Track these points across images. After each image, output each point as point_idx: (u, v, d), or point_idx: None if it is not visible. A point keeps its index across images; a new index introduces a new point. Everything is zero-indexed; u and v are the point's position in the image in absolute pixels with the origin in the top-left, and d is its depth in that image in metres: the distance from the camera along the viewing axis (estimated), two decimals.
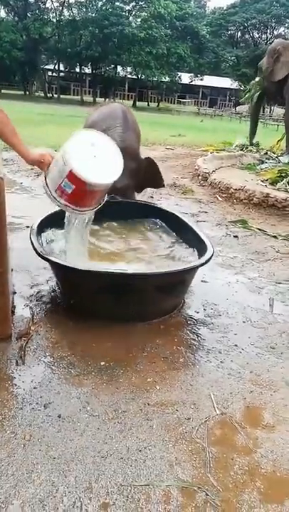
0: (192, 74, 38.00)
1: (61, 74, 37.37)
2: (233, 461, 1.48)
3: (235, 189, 5.18)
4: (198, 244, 2.56)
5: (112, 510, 1.26)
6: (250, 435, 1.60)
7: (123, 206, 2.97)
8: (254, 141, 8.40)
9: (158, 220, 3.08)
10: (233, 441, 1.57)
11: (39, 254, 2.19)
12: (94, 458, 1.43)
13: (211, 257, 2.33)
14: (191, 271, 2.37)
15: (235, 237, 3.95)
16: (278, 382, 1.92)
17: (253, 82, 8.85)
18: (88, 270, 2.11)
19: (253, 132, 8.45)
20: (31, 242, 2.29)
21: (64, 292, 2.44)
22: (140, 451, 1.48)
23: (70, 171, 1.91)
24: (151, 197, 5.20)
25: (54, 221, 2.70)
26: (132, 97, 37.73)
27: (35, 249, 2.22)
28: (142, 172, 3.09)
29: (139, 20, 31.65)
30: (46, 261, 2.21)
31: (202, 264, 2.29)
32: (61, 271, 2.30)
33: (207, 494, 1.33)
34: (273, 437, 1.60)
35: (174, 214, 3.11)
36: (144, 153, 3.57)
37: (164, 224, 3.03)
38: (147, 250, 2.68)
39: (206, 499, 1.32)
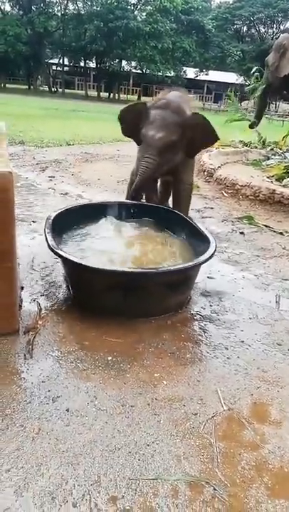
0: (197, 69, 37.81)
1: (66, 68, 37.24)
2: (240, 456, 1.49)
3: (241, 185, 5.16)
4: (200, 240, 2.57)
5: (121, 503, 1.27)
6: (258, 431, 1.61)
7: (123, 208, 2.98)
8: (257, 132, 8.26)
9: (158, 217, 3.04)
10: (241, 437, 1.57)
11: (52, 249, 2.20)
12: (102, 452, 1.44)
13: (214, 253, 2.34)
14: (196, 267, 2.38)
15: (242, 233, 3.94)
16: (285, 378, 1.92)
17: (255, 75, 8.76)
18: (98, 268, 2.12)
19: (257, 119, 8.30)
20: (45, 236, 2.30)
21: (73, 288, 2.45)
22: (148, 445, 1.49)
23: None
24: None
25: (68, 216, 2.73)
26: (136, 92, 37.56)
27: (48, 244, 2.23)
28: (190, 130, 2.74)
29: (144, 14, 31.44)
30: (58, 256, 2.22)
31: (206, 261, 2.30)
32: (72, 267, 2.31)
33: (215, 489, 1.34)
34: (280, 433, 1.60)
35: (172, 211, 3.11)
36: None
37: (164, 221, 3.01)
38: (151, 248, 2.67)
39: (213, 494, 1.33)
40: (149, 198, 3.31)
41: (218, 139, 2.89)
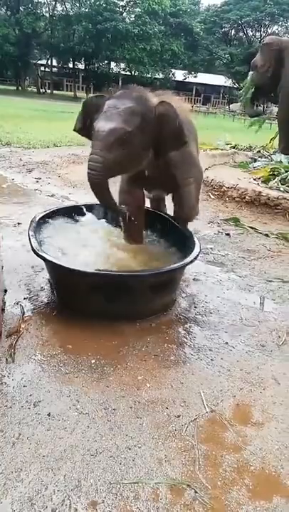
0: (186, 71, 37.93)
1: (54, 69, 37.07)
2: (222, 458, 1.49)
3: (228, 187, 5.18)
4: (185, 242, 2.58)
5: (101, 508, 1.26)
6: (240, 432, 1.61)
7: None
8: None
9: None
10: (223, 439, 1.57)
11: (35, 252, 2.19)
12: (83, 456, 1.43)
13: (198, 255, 2.36)
14: (180, 269, 2.38)
15: (227, 235, 3.96)
16: (268, 379, 1.93)
17: (247, 79, 8.85)
18: (81, 270, 2.11)
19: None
20: (29, 238, 2.29)
21: (56, 291, 2.43)
22: (130, 449, 1.48)
23: None
24: None
25: (52, 218, 2.71)
26: None
27: (32, 247, 2.21)
28: (153, 122, 2.18)
29: (133, 16, 31.47)
30: (41, 259, 2.20)
31: (190, 262, 2.31)
32: (55, 270, 2.29)
33: (196, 491, 1.34)
34: (262, 434, 1.61)
35: (156, 212, 3.10)
36: None
37: (149, 223, 2.99)
38: (134, 250, 2.67)
39: (194, 496, 1.33)
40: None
41: (185, 143, 2.32)
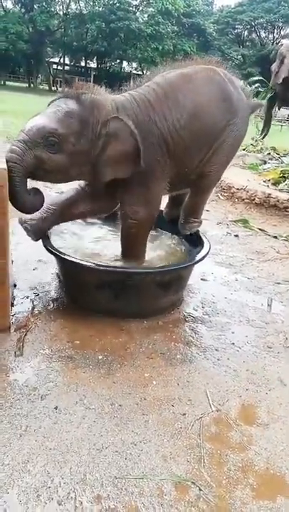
0: None
1: (66, 67, 37.26)
2: (227, 457, 1.49)
3: (237, 188, 5.18)
4: (195, 241, 2.59)
5: (106, 502, 1.27)
6: (245, 432, 1.61)
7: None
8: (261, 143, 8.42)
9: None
10: (228, 438, 1.58)
11: (46, 247, 2.21)
12: (89, 450, 1.45)
13: (207, 254, 2.37)
14: (189, 267, 2.39)
15: (236, 236, 3.95)
16: (274, 380, 1.93)
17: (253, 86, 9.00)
18: (90, 266, 2.12)
19: (265, 130, 8.58)
20: None
21: (65, 286, 2.45)
22: (135, 445, 1.49)
23: None
24: None
25: None
26: None
27: (42, 242, 2.23)
28: (98, 138, 1.94)
29: (146, 15, 31.55)
30: (52, 254, 2.22)
31: (199, 261, 2.32)
32: (65, 265, 2.31)
33: (200, 489, 1.35)
34: (267, 435, 1.61)
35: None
36: None
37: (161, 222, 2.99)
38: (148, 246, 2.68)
39: (199, 494, 1.33)
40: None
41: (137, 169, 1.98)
